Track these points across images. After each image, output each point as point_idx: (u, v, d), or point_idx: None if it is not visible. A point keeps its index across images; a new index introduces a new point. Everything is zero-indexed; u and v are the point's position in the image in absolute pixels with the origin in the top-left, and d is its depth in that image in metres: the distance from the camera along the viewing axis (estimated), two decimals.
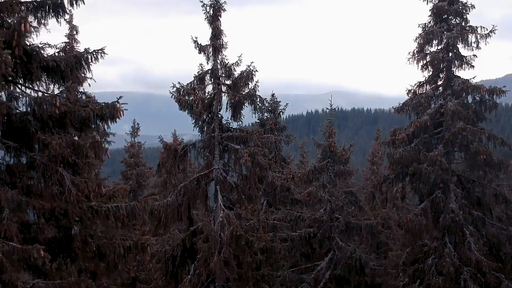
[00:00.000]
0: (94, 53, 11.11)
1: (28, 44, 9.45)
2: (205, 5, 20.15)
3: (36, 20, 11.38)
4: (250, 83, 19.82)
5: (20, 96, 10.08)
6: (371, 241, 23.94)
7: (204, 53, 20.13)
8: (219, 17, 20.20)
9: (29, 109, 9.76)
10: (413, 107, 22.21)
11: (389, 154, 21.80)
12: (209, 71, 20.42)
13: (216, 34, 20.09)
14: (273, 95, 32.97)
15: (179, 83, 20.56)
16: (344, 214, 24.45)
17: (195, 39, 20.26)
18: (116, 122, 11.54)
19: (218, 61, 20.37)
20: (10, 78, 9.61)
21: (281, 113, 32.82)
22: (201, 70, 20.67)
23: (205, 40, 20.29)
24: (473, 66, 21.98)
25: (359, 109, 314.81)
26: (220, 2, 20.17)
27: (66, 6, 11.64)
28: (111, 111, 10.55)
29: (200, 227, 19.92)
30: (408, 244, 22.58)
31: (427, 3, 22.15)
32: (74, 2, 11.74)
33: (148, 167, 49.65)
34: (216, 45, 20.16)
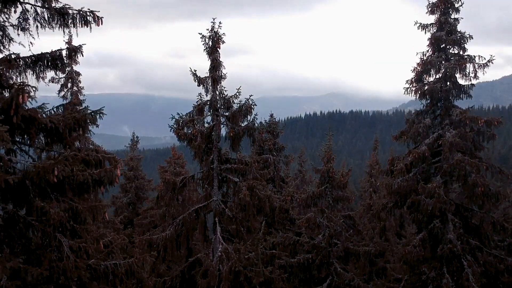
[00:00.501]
0: (92, 114, 11.03)
1: (27, 108, 9.36)
2: (204, 37, 20.13)
3: (34, 74, 11.31)
4: (248, 116, 19.79)
5: (18, 162, 10.00)
6: (369, 267, 23.84)
7: (203, 86, 20.10)
8: (218, 49, 20.19)
9: (26, 179, 9.65)
10: (411, 136, 22.14)
11: (387, 184, 21.73)
12: (208, 102, 20.38)
13: (215, 66, 20.07)
14: (271, 115, 32.99)
15: (178, 114, 20.52)
16: (342, 239, 24.36)
17: (194, 72, 20.23)
18: (114, 186, 11.46)
19: (217, 92, 20.35)
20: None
21: (279, 133, 32.80)
22: (200, 100, 20.65)
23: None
24: (470, 96, 21.96)
25: (357, 111, 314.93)
26: (219, 34, 20.15)
27: (65, 59, 11.56)
28: (109, 176, 10.47)
29: (198, 258, 19.86)
30: (407, 272, 22.48)
31: (425, 32, 22.13)
32: (72, 55, 11.66)
33: (147, 179, 49.72)
34: (215, 76, 20.14)
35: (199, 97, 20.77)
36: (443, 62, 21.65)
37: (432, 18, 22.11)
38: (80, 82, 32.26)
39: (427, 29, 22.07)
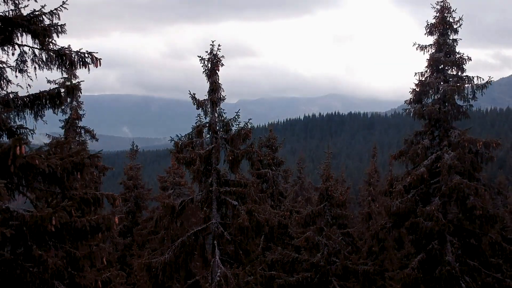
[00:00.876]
0: (90, 158, 10.94)
1: (25, 155, 9.28)
2: (203, 59, 20.09)
3: (32, 112, 11.23)
4: (247, 140, 19.73)
5: (16, 210, 9.91)
6: (368, 286, 23.77)
7: (202, 109, 20.05)
8: (217, 71, 20.14)
9: (24, 227, 9.57)
10: (410, 158, 22.10)
11: (386, 206, 21.69)
12: (207, 125, 20.32)
13: (214, 88, 20.02)
14: (270, 130, 32.96)
15: (177, 136, 20.47)
16: (341, 257, 24.30)
17: (193, 95, 20.17)
18: (111, 232, 11.39)
19: (216, 115, 20.29)
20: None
21: (278, 148, 32.72)
22: (199, 122, 20.60)
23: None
24: (469, 116, 21.91)
25: (355, 113, 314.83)
26: (218, 56, 20.10)
27: (63, 97, 11.49)
28: (107, 223, 10.40)
29: (197, 280, 19.79)
30: None
31: (424, 53, 22.10)
32: (71, 93, 11.58)
33: (147, 188, 49.72)
34: (214, 99, 20.08)
35: (198, 117, 20.73)
36: (441, 83, 21.61)
37: (430, 39, 22.11)
38: (79, 97, 32.20)
39: (425, 50, 22.04)
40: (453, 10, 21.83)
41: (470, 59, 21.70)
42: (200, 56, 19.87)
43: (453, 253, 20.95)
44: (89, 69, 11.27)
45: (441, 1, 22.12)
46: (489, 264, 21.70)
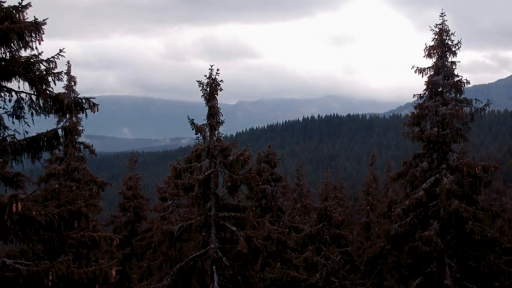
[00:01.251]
0: (87, 206, 10.82)
1: (21, 209, 9.15)
2: (202, 84, 19.99)
3: (30, 155, 11.10)
4: (246, 166, 19.62)
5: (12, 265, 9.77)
6: None
7: (201, 133, 19.94)
8: (215, 96, 20.04)
9: (20, 279, 9.45)
10: (409, 180, 21.99)
11: (385, 230, 21.57)
12: (206, 149, 20.20)
13: (213, 113, 19.92)
14: (269, 146, 32.86)
15: (176, 161, 20.37)
16: (340, 277, 24.20)
17: (191, 120, 20.08)
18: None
19: (215, 138, 20.18)
20: None
21: (277, 163, 32.62)
22: (198, 145, 20.50)
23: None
24: (467, 138, 21.81)
25: (354, 115, 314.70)
26: (217, 81, 20.00)
27: (61, 139, 11.37)
28: (104, 276, 10.21)
29: None
30: None
31: (422, 76, 21.99)
32: (69, 134, 11.47)
33: (146, 198, 49.68)
34: (212, 123, 19.98)
35: (197, 140, 20.66)
36: (440, 106, 21.51)
37: (429, 62, 22.03)
38: (78, 114, 32.06)
39: (424, 73, 21.94)
40: (452, 33, 21.75)
41: (469, 83, 21.64)
42: (199, 81, 19.77)
43: (452, 277, 20.83)
44: (86, 115, 11.17)
45: (440, 24, 22.05)
46: (488, 287, 21.60)
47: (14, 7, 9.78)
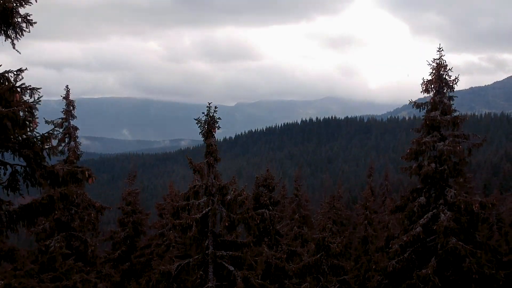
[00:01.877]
0: (82, 282, 10.64)
1: None
2: (200, 121, 19.80)
3: (25, 223, 10.92)
4: (243, 206, 19.43)
5: None
6: None
7: (199, 172, 19.72)
8: (213, 133, 19.87)
9: None
10: (407, 216, 21.82)
11: (383, 267, 21.39)
12: (203, 187, 19.99)
13: (211, 151, 19.73)
14: (267, 170, 32.63)
15: (175, 202, 20.19)
16: None
17: (189, 160, 19.89)
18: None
19: (213, 176, 19.98)
20: None
21: (275, 187, 32.38)
22: (196, 183, 20.32)
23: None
24: (465, 174, 21.63)
25: (352, 117, 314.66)
26: (215, 118, 19.82)
27: (56, 204, 11.17)
28: None
29: None
30: None
31: (420, 110, 21.83)
32: (64, 199, 11.27)
33: (145, 213, 49.51)
34: (210, 161, 19.79)
35: (195, 177, 20.48)
36: (437, 142, 21.34)
37: (427, 97, 21.85)
38: (77, 137, 31.88)
39: (421, 108, 21.78)
40: (449, 69, 21.59)
41: (466, 119, 21.48)
42: (196, 119, 19.60)
43: None
44: (82, 185, 10.98)
45: (437, 59, 21.90)
46: None
47: (8, 87, 9.59)
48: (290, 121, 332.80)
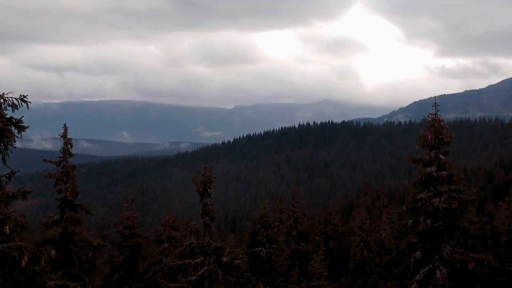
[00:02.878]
0: None
1: None
2: (197, 180, 19.54)
3: None
4: (239, 270, 19.13)
5: None
6: None
7: (195, 233, 19.46)
8: (210, 193, 19.60)
9: None
10: (402, 272, 21.50)
11: None
12: (200, 246, 19.72)
13: (207, 211, 19.47)
14: (264, 207, 32.40)
15: (171, 260, 19.88)
16: None
17: (186, 222, 19.64)
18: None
19: (209, 235, 19.71)
20: None
21: (272, 225, 32.18)
22: (192, 242, 20.03)
23: None
24: (461, 230, 21.32)
25: (348, 121, 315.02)
26: (211, 178, 19.56)
27: None
28: None
29: None
30: None
31: (416, 164, 21.54)
32: None
33: (143, 236, 49.28)
34: (206, 221, 19.53)
35: (192, 234, 20.18)
36: (433, 198, 21.05)
37: (423, 152, 21.56)
38: (75, 177, 31.49)
39: (418, 163, 21.49)
40: (445, 126, 21.32)
41: (463, 175, 21.22)
42: (193, 178, 19.32)
43: None
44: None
45: (434, 114, 21.64)
46: None
47: None
48: (287, 124, 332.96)
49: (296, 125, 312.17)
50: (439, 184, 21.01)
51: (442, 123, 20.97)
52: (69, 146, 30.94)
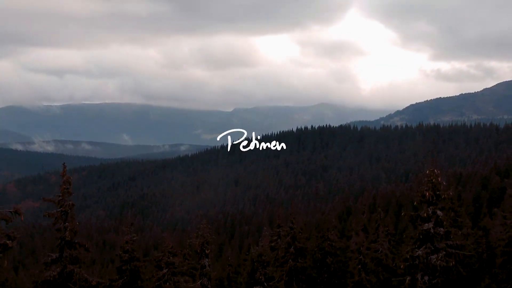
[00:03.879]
0: None
1: None
2: (193, 242, 19.33)
3: None
4: None
5: None
6: None
7: None
8: (207, 254, 19.38)
9: None
10: None
11: None
12: None
13: (205, 273, 19.26)
14: (262, 245, 32.17)
15: None
16: None
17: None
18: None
19: None
20: None
21: (269, 263, 31.92)
22: None
23: None
24: (457, 285, 21.14)
25: (346, 125, 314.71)
26: (209, 239, 19.35)
27: None
28: None
29: None
30: None
31: (413, 222, 21.34)
32: None
33: (142, 260, 49.06)
34: (204, 282, 19.31)
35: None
36: (430, 255, 20.85)
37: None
38: (74, 215, 31.22)
39: (415, 220, 21.29)
40: (442, 182, 21.14)
41: (459, 232, 21.05)
42: (189, 243, 19.10)
43: None
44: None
45: (431, 169, 21.44)
46: None
47: None
48: (286, 126, 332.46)
49: (294, 129, 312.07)
50: (436, 241, 20.80)
51: (439, 179, 20.76)
52: (68, 185, 30.66)
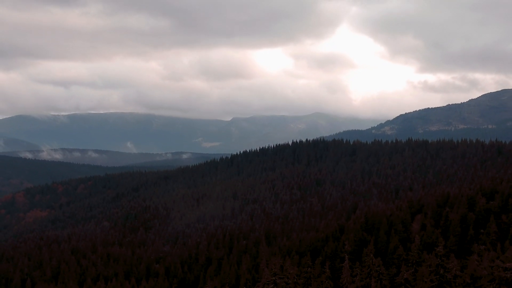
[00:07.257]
0: None
1: None
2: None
3: None
4: None
5: None
6: None
7: None
8: None
9: None
10: None
11: None
12: None
13: None
14: None
15: None
16: None
17: None
18: None
19: None
20: None
21: None
22: None
23: None
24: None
25: (339, 140, 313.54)
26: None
27: None
28: None
29: None
30: None
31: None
32: None
33: None
34: None
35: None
36: None
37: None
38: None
39: None
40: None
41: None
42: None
43: None
44: None
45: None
46: None
47: None
48: (282, 135, 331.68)
49: (291, 138, 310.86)
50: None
51: None
52: None
